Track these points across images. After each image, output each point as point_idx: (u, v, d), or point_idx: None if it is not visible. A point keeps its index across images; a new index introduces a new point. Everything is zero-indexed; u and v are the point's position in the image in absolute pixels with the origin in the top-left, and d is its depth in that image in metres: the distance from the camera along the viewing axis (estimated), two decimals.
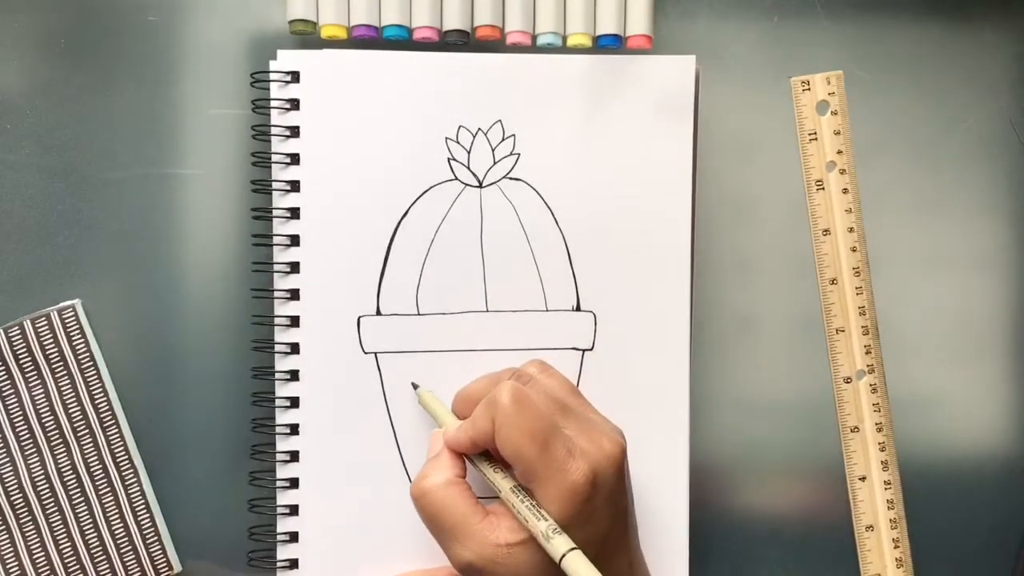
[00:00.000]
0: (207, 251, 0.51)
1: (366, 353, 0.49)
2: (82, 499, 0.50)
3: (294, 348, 0.49)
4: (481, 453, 0.44)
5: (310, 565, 0.49)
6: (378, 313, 0.49)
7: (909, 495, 0.52)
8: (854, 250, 0.52)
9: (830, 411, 0.52)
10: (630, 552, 0.44)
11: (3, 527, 0.50)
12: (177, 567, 0.51)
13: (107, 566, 0.50)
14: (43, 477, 0.50)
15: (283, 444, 0.49)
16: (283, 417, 0.49)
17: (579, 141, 0.50)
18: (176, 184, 0.51)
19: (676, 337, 0.50)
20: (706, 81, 0.51)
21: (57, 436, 0.50)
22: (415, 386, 0.49)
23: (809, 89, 0.52)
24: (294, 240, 0.49)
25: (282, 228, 0.49)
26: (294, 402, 0.49)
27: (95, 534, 0.50)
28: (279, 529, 0.49)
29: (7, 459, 0.50)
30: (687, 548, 0.50)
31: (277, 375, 0.49)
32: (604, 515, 0.42)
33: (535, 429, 0.41)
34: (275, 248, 0.49)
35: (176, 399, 0.51)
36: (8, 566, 0.50)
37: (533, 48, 0.50)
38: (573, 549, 0.40)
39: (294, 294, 0.49)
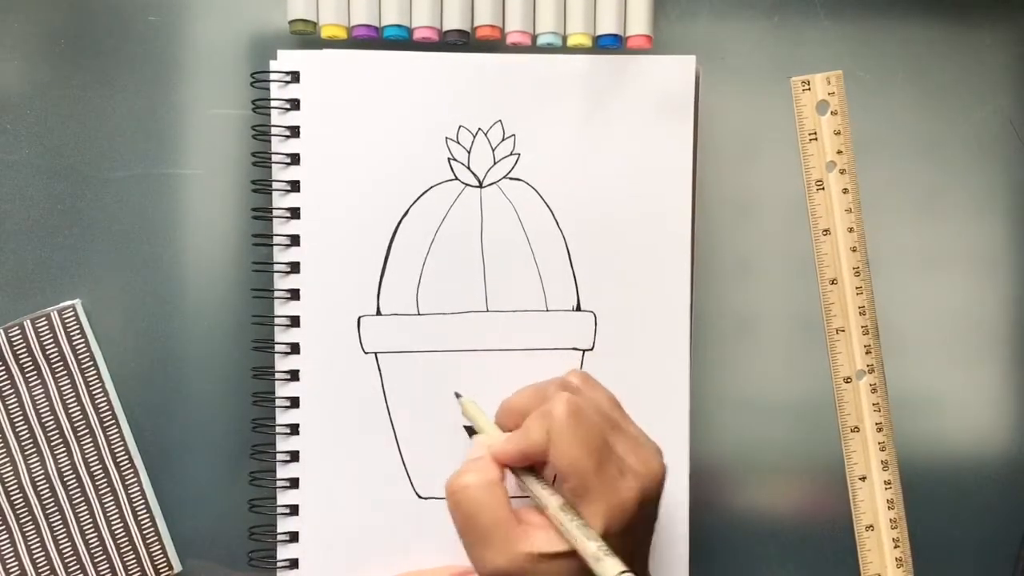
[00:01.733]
0: (207, 251, 0.51)
1: (366, 353, 0.49)
2: (82, 499, 0.50)
3: (294, 348, 0.49)
4: (527, 467, 0.44)
5: (310, 565, 0.49)
6: (378, 313, 0.49)
7: (909, 495, 0.52)
8: (854, 250, 0.52)
9: (830, 411, 0.52)
10: (646, 558, 0.44)
11: (3, 527, 0.50)
12: (177, 567, 0.51)
13: (107, 566, 0.50)
14: (43, 477, 0.50)
15: (283, 444, 0.49)
16: (283, 417, 0.49)
17: (579, 141, 0.50)
18: (176, 184, 0.51)
19: (676, 337, 0.50)
20: (706, 81, 0.51)
21: (57, 436, 0.50)
22: (458, 395, 0.49)
23: (809, 89, 0.52)
24: (294, 240, 0.49)
25: (282, 228, 0.49)
26: (294, 402, 0.49)
27: (95, 534, 0.50)
28: (279, 529, 0.49)
29: (7, 459, 0.50)
30: (687, 548, 0.50)
31: (277, 375, 0.49)
32: (641, 528, 0.42)
33: (592, 445, 0.41)
34: (275, 248, 0.49)
35: (176, 399, 0.51)
36: (8, 566, 0.50)
37: (533, 48, 0.50)
38: (624, 572, 0.39)
39: (294, 294, 0.49)
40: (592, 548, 0.40)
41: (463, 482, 0.42)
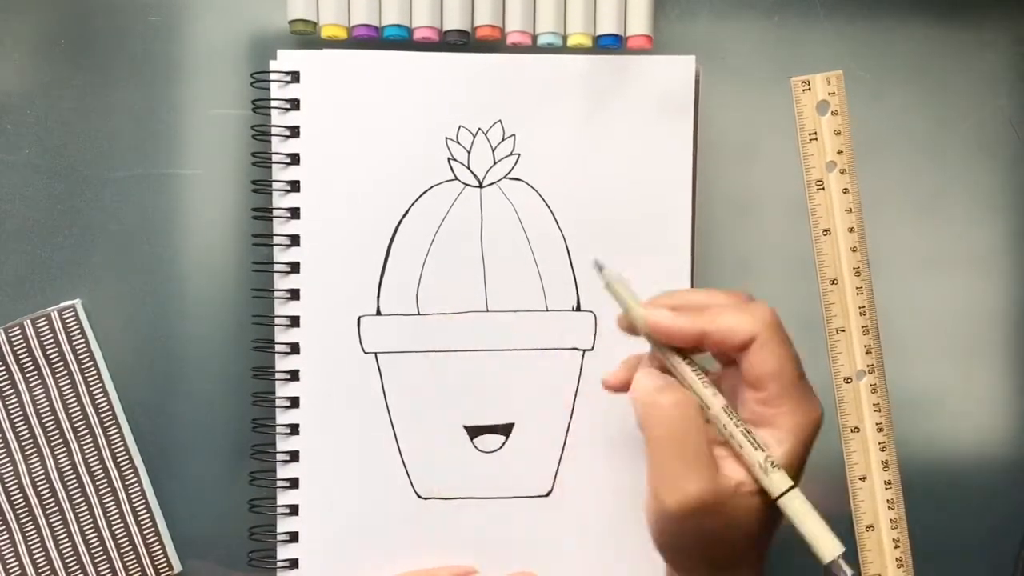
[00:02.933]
0: (207, 251, 0.51)
1: (366, 353, 0.49)
2: (82, 499, 0.50)
3: (294, 348, 0.49)
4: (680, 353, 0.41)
5: (310, 565, 0.49)
6: (378, 313, 0.49)
7: (909, 495, 0.52)
8: (854, 250, 0.52)
9: (830, 411, 0.52)
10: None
11: (3, 527, 0.50)
12: (177, 567, 0.51)
13: (107, 566, 0.50)
14: (43, 477, 0.50)
15: (283, 444, 0.49)
16: (283, 417, 0.49)
17: (579, 141, 0.50)
18: (176, 184, 0.51)
19: None
20: (707, 81, 0.51)
21: (57, 436, 0.50)
22: (600, 267, 0.42)
23: (809, 89, 0.51)
24: (294, 240, 0.49)
25: (282, 228, 0.49)
26: (294, 402, 0.49)
27: (95, 534, 0.50)
28: (279, 529, 0.49)
29: (7, 459, 0.50)
30: None
31: (277, 375, 0.49)
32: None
33: (794, 355, 0.40)
34: (275, 248, 0.49)
35: (176, 399, 0.51)
36: (8, 566, 0.50)
37: (533, 48, 0.50)
38: (793, 487, 0.38)
39: (294, 294, 0.49)
40: (760, 457, 0.38)
41: (671, 399, 0.39)
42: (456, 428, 0.50)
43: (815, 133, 0.52)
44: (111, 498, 0.50)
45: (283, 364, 0.49)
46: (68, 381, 0.50)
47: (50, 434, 0.50)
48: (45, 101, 0.50)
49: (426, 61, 0.49)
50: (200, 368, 0.51)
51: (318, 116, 0.49)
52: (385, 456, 0.50)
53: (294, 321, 0.49)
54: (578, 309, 0.50)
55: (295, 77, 0.49)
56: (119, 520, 0.50)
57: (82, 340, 0.50)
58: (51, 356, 0.50)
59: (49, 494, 0.50)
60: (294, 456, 0.49)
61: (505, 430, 0.50)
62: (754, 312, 0.40)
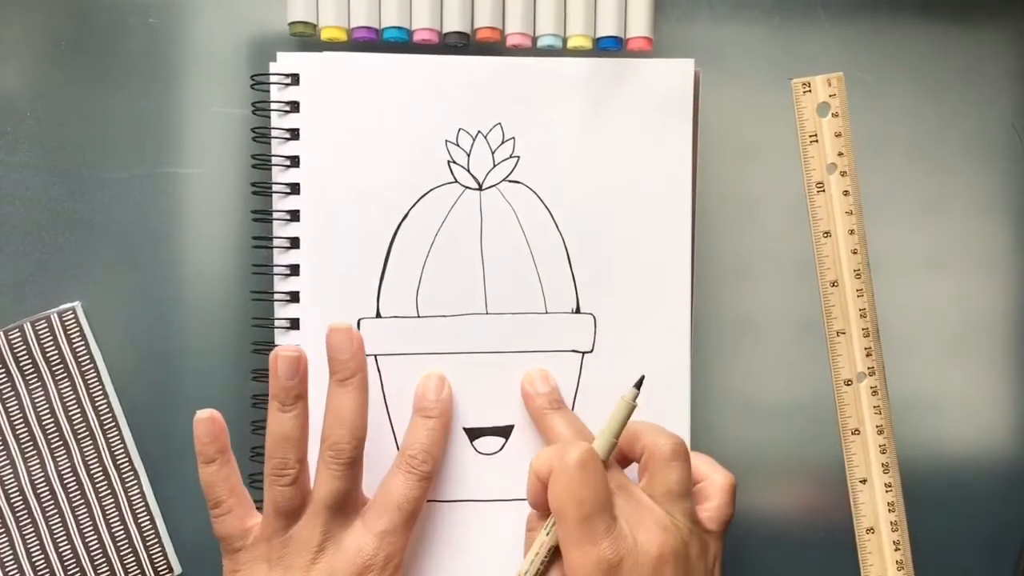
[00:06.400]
0: (207, 253, 0.51)
1: (366, 355, 0.49)
2: (82, 501, 0.50)
3: None
4: None
5: None
6: (378, 315, 0.49)
7: (910, 497, 0.52)
8: (855, 252, 0.51)
9: (831, 413, 0.52)
10: None
11: (3, 530, 0.50)
12: (177, 569, 0.51)
13: (107, 568, 0.50)
14: (43, 479, 0.50)
15: None
16: None
17: (579, 144, 0.50)
18: (176, 184, 0.51)
19: (677, 339, 0.50)
20: (707, 83, 0.51)
21: (57, 438, 0.50)
22: (637, 386, 0.45)
23: (810, 91, 0.51)
24: (294, 243, 0.49)
25: (282, 230, 0.49)
26: None
27: (95, 536, 0.50)
28: None
29: (7, 461, 0.50)
30: None
31: None
32: None
33: (583, 497, 0.42)
34: (275, 251, 0.49)
35: (176, 401, 0.51)
36: (7, 569, 0.50)
37: (533, 50, 0.50)
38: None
39: (294, 296, 0.49)
40: (522, 566, 0.44)
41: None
42: (456, 430, 0.50)
43: (815, 135, 0.51)
44: (111, 500, 0.50)
45: None
46: (68, 383, 0.50)
47: (50, 436, 0.50)
48: (45, 102, 0.50)
49: (426, 63, 0.49)
50: (200, 370, 0.51)
51: (318, 118, 0.49)
52: (384, 458, 0.49)
53: (294, 324, 0.49)
54: (577, 311, 0.50)
55: (295, 79, 0.49)
56: (119, 522, 0.50)
57: (82, 342, 0.50)
58: (51, 358, 0.50)
59: (49, 496, 0.50)
60: None
61: (505, 432, 0.50)
62: (556, 453, 0.43)
